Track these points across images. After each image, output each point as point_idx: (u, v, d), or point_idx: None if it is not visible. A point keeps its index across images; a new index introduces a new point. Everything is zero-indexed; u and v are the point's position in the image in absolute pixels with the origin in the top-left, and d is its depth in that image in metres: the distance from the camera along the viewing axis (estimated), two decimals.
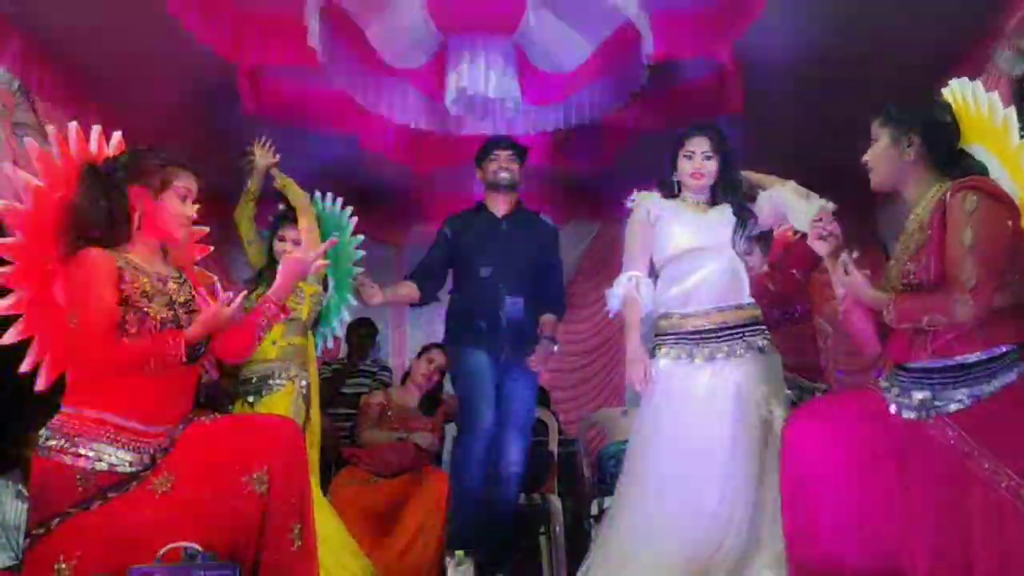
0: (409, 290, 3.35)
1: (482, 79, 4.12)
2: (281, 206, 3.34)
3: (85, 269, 1.96)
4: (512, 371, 3.27)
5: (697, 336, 2.64)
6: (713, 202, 2.78)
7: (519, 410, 3.26)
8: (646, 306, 2.71)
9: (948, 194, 1.93)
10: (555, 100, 4.43)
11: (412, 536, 3.24)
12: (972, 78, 2.12)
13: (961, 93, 2.09)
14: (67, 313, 1.97)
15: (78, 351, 1.96)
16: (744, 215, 2.74)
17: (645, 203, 2.79)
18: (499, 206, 3.45)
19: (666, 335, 2.68)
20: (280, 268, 2.27)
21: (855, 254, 2.15)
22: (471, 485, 3.11)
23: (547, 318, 3.37)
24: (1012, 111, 2.01)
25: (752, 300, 2.72)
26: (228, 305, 2.04)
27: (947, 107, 2.10)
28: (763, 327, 2.71)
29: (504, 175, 3.41)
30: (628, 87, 4.18)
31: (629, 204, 2.85)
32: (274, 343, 3.03)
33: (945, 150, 2.05)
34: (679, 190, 2.79)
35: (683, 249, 2.70)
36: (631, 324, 2.71)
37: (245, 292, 2.17)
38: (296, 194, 3.22)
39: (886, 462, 1.99)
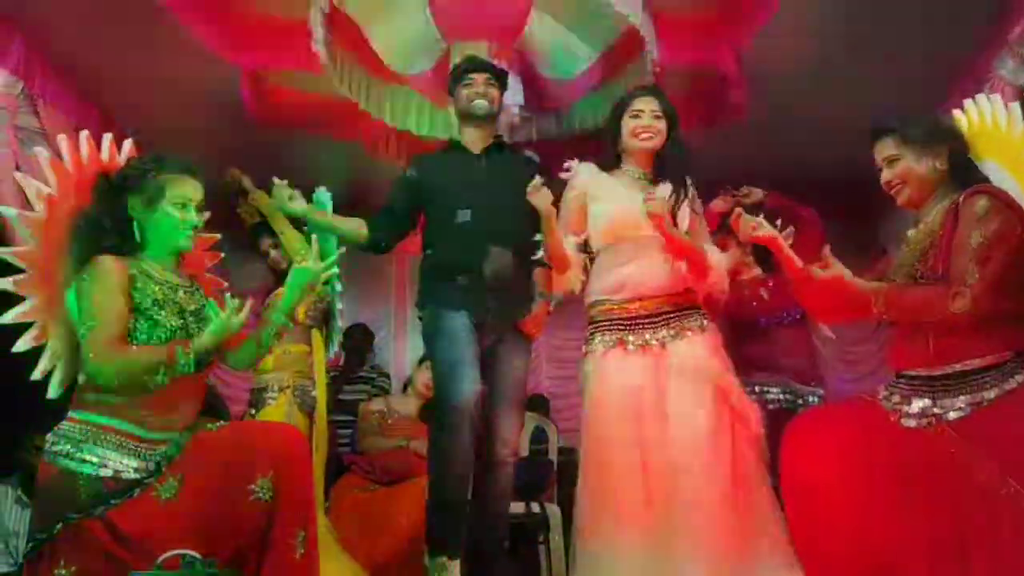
0: (356, 226, 2.81)
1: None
2: (254, 216, 3.36)
3: (97, 277, 1.98)
4: (501, 336, 2.74)
5: (630, 322, 2.55)
6: (657, 178, 2.63)
7: (511, 382, 2.76)
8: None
9: (961, 199, 1.95)
10: (558, 107, 4.43)
11: (404, 540, 3.21)
12: (975, 88, 2.15)
13: (976, 109, 2.12)
14: (80, 321, 1.97)
15: (89, 359, 1.95)
16: (679, 187, 2.60)
17: (581, 176, 2.67)
18: (475, 141, 2.88)
19: (599, 323, 2.60)
20: (287, 280, 2.25)
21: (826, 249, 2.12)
22: (454, 473, 2.57)
23: (540, 271, 2.84)
24: None
25: (688, 287, 2.59)
26: (238, 314, 2.03)
27: (954, 120, 2.13)
28: (697, 307, 2.61)
29: (481, 102, 2.84)
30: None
31: (563, 175, 2.70)
32: (270, 352, 3.03)
33: (964, 163, 2.06)
34: (620, 162, 2.67)
35: (619, 235, 2.59)
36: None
37: (252, 301, 2.16)
38: (264, 203, 3.24)
39: (886, 470, 1.99)
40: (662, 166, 2.63)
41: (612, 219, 2.60)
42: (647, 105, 2.60)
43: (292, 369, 3.16)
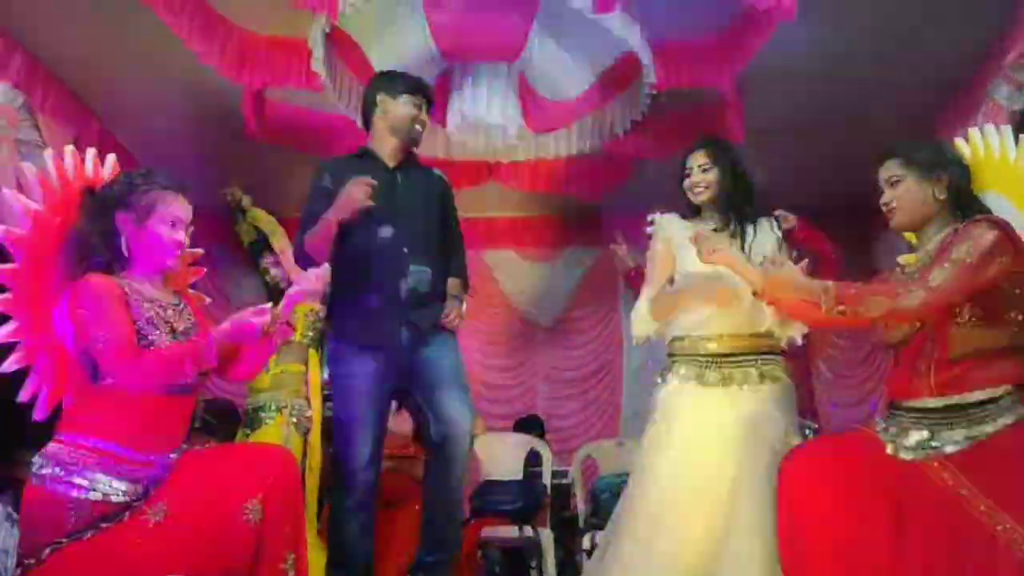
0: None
1: (484, 105, 4.15)
2: (251, 233, 3.37)
3: (94, 291, 1.94)
4: (425, 341, 2.68)
5: (709, 359, 2.58)
6: (728, 220, 2.66)
7: (447, 369, 2.70)
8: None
9: (963, 225, 1.94)
10: (557, 127, 4.45)
11: (401, 570, 3.18)
12: (970, 112, 2.15)
13: (983, 138, 2.12)
14: (86, 335, 1.93)
15: (113, 364, 1.91)
16: (743, 230, 2.64)
17: (664, 226, 2.74)
18: (393, 154, 2.78)
19: (678, 356, 2.64)
20: (291, 290, 2.23)
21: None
22: (352, 530, 2.60)
23: (453, 281, 2.83)
24: None
25: (770, 328, 2.62)
26: (260, 316, 2.01)
27: (958, 148, 2.13)
28: (778, 355, 2.64)
29: (420, 129, 2.79)
30: (630, 115, 4.21)
31: (648, 229, 2.79)
32: (267, 371, 3.01)
33: (966, 191, 2.06)
34: (699, 211, 2.73)
35: (699, 273, 2.62)
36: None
37: (271, 305, 2.11)
38: (264, 221, 3.25)
39: (882, 502, 1.97)
40: (727, 214, 2.67)
41: (693, 260, 2.59)
42: (693, 162, 2.68)
43: (288, 388, 3.13)
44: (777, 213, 2.75)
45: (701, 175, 2.66)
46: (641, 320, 2.72)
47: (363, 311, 2.61)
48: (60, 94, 3.98)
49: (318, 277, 2.22)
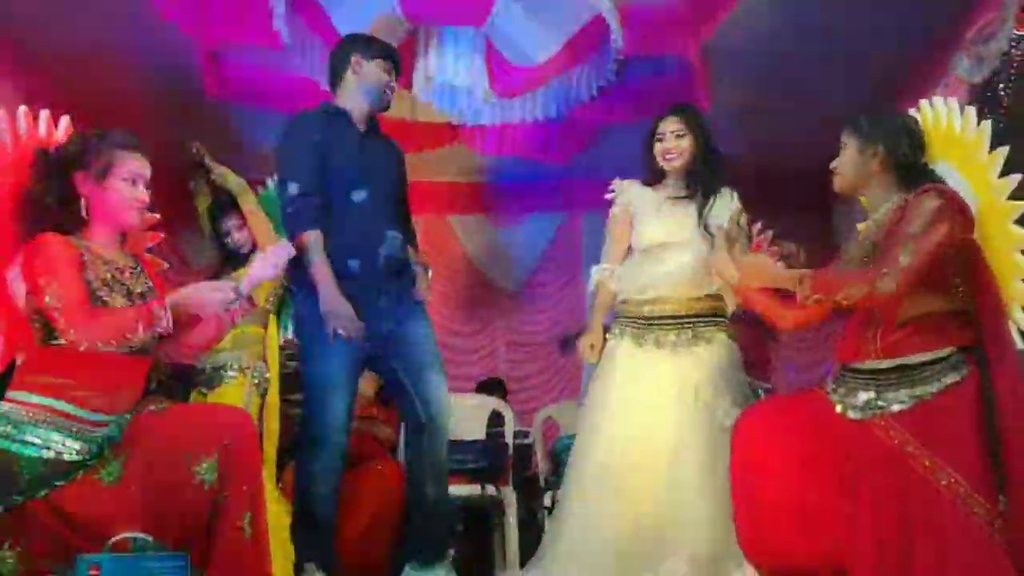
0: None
1: (450, 68, 4.12)
2: (208, 195, 3.30)
3: (48, 251, 1.92)
4: (400, 313, 2.69)
5: (646, 321, 2.66)
6: (694, 190, 2.70)
7: (425, 347, 2.73)
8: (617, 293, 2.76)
9: (912, 196, 2.01)
10: (524, 92, 4.43)
11: (364, 528, 3.20)
12: (933, 85, 2.20)
13: (933, 111, 2.19)
14: (39, 294, 1.90)
15: (65, 324, 1.90)
16: (710, 196, 2.68)
17: (624, 194, 2.79)
18: (362, 118, 2.74)
19: (621, 319, 2.72)
20: (254, 264, 2.20)
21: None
22: (318, 492, 2.62)
23: (413, 251, 2.87)
24: (987, 126, 2.08)
25: (715, 290, 2.70)
26: (220, 292, 2.01)
27: (914, 122, 2.21)
28: (722, 318, 2.72)
29: (389, 94, 2.77)
30: (597, 81, 4.20)
31: (608, 195, 2.84)
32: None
33: (907, 162, 2.12)
34: (663, 176, 2.76)
35: (651, 243, 2.71)
36: (596, 306, 2.78)
37: (234, 276, 2.11)
38: (233, 182, 3.18)
39: (832, 461, 2.04)
40: (694, 182, 2.70)
41: (649, 232, 2.71)
42: (668, 127, 2.68)
43: (249, 350, 3.11)
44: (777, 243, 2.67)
45: (675, 141, 2.67)
46: (591, 282, 2.80)
47: (343, 276, 2.58)
48: (11, 53, 3.87)
49: (277, 264, 2.19)
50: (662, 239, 2.69)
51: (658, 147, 2.70)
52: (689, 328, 2.64)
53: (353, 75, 2.71)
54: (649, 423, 2.55)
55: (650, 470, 2.51)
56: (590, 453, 2.62)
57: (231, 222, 3.17)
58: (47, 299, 1.90)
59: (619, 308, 2.75)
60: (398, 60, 2.84)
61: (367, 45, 2.75)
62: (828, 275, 2.10)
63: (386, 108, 2.79)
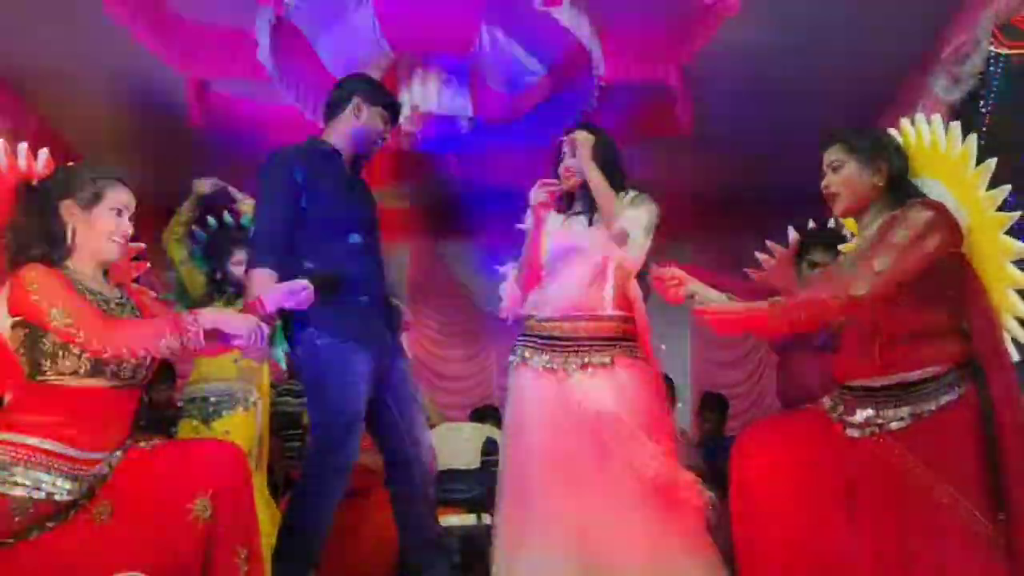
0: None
1: (434, 97, 4.14)
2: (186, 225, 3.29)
3: (40, 279, 1.89)
4: (396, 348, 2.72)
5: (542, 341, 2.52)
6: (588, 204, 2.59)
7: (410, 383, 2.71)
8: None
9: (900, 209, 2.00)
10: (508, 118, 4.46)
11: (363, 557, 3.17)
12: (910, 105, 2.21)
13: (915, 128, 2.18)
14: (41, 318, 1.86)
15: (80, 340, 1.86)
16: (592, 212, 2.58)
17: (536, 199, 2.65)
18: (348, 158, 2.69)
19: (521, 337, 2.60)
20: (274, 288, 2.23)
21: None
22: (316, 513, 2.53)
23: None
24: (973, 140, 2.08)
25: (620, 312, 2.51)
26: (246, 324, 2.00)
27: (895, 137, 2.20)
28: (625, 342, 2.50)
29: (379, 146, 2.77)
30: (578, 108, 4.23)
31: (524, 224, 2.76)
32: (236, 361, 2.98)
33: (904, 177, 2.11)
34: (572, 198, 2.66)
35: (550, 254, 2.62)
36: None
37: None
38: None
39: (831, 479, 2.02)
40: (584, 199, 2.63)
41: (547, 242, 2.62)
42: (565, 147, 2.63)
43: (255, 383, 3.10)
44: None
45: (570, 161, 2.60)
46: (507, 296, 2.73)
47: (357, 310, 2.56)
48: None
49: (304, 296, 2.23)
50: (557, 248, 2.60)
51: (560, 167, 2.65)
52: (585, 353, 2.47)
53: (352, 116, 2.66)
54: (547, 449, 2.43)
55: (563, 491, 2.38)
56: (504, 475, 2.55)
57: (237, 256, 3.16)
58: (53, 321, 1.86)
59: (523, 325, 2.64)
60: (398, 114, 2.84)
61: (373, 91, 2.72)
62: (798, 299, 2.04)
63: (369, 157, 2.76)
